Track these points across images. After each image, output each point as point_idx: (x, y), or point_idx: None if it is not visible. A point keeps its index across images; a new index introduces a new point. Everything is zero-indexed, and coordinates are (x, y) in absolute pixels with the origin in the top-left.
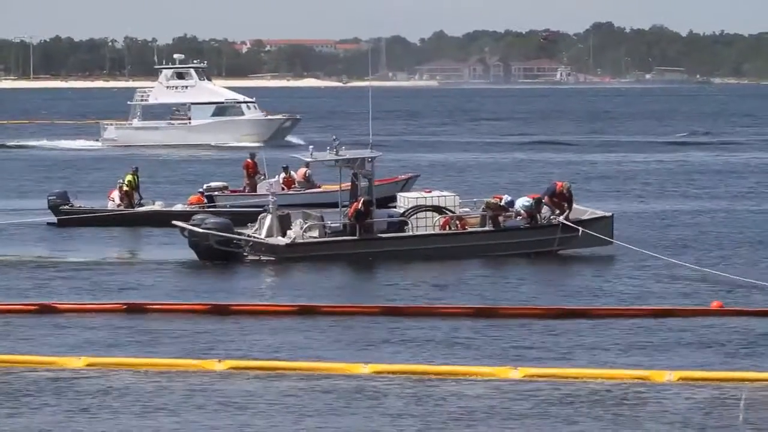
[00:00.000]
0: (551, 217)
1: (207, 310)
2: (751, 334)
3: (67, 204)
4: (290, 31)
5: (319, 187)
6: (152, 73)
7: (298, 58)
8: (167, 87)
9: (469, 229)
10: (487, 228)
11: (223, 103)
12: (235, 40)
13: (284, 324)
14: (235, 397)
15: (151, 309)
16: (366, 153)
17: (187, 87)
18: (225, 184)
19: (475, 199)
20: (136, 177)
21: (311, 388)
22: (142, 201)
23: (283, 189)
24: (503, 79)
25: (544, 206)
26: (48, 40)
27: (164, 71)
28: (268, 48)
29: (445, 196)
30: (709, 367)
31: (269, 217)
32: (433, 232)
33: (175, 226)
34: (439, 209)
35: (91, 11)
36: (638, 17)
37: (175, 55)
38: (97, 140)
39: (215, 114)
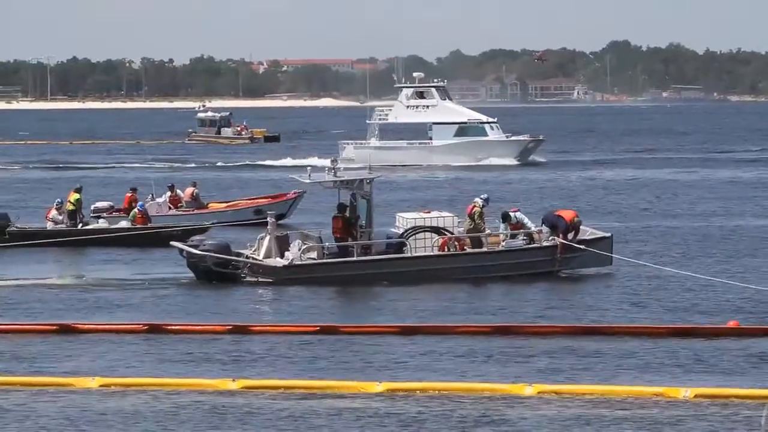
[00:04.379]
0: (551, 237)
1: (227, 330)
2: None
3: (9, 225)
4: (307, 51)
5: (207, 206)
6: (169, 93)
7: (314, 77)
8: (407, 106)
9: (468, 250)
10: (485, 249)
11: (465, 123)
12: (252, 61)
13: (303, 343)
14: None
15: (171, 330)
16: (364, 174)
17: (428, 106)
18: (111, 204)
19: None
20: (80, 196)
21: (325, 407)
22: (84, 219)
23: (170, 208)
24: (520, 98)
25: (544, 228)
26: (65, 61)
27: (404, 90)
28: (284, 68)
29: (443, 216)
30: (727, 385)
31: (267, 237)
32: (431, 253)
33: (173, 247)
34: (437, 230)
35: (108, 32)
36: (655, 36)
37: (415, 74)
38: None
39: (457, 134)
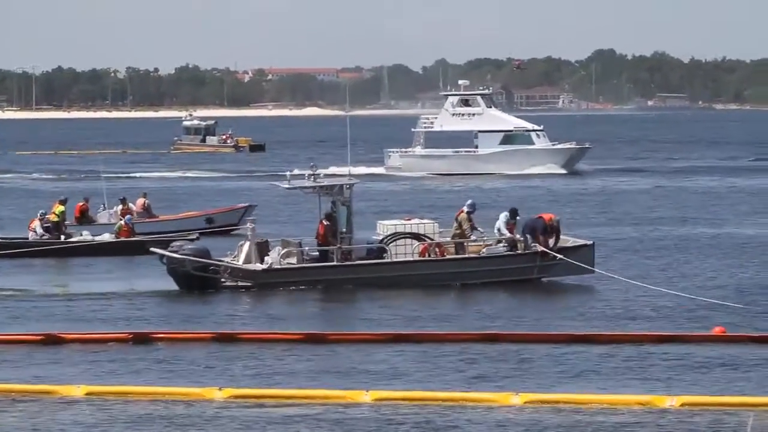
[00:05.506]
0: (532, 244)
1: (213, 338)
2: (755, 358)
3: None
4: (292, 60)
5: (158, 217)
6: (154, 103)
7: (299, 86)
8: (453, 114)
9: (447, 257)
10: (466, 255)
11: (511, 131)
12: (237, 70)
13: (290, 351)
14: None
15: (156, 338)
16: (344, 180)
17: (473, 114)
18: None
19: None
20: (65, 207)
21: (312, 416)
22: (67, 231)
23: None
24: (506, 106)
25: (528, 236)
26: (50, 70)
27: (450, 98)
28: (269, 77)
29: (424, 223)
30: (713, 393)
31: (247, 243)
32: (411, 258)
33: (154, 252)
34: (417, 236)
35: (93, 42)
36: (640, 44)
37: (460, 81)
38: (381, 167)
39: (503, 142)
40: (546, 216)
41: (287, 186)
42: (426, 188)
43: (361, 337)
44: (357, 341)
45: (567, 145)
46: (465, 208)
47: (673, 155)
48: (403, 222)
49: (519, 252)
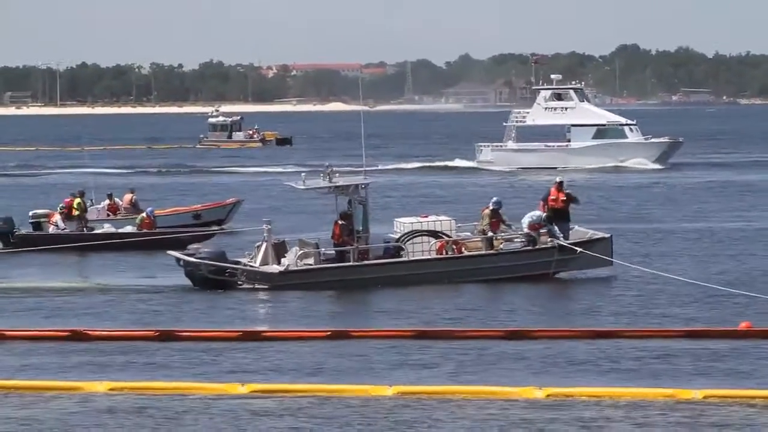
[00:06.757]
0: (549, 241)
1: (238, 336)
2: None
3: (15, 230)
4: (316, 55)
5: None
6: (179, 98)
7: (323, 82)
8: (545, 108)
9: (465, 253)
10: (482, 252)
11: (604, 125)
12: (261, 65)
13: (315, 348)
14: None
15: (181, 336)
16: (359, 179)
17: (566, 108)
18: (49, 211)
19: (475, 223)
20: (83, 200)
21: (335, 410)
22: (88, 224)
23: (108, 215)
24: (529, 101)
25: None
26: (74, 66)
27: (542, 92)
28: (294, 72)
29: (441, 220)
30: (738, 386)
31: (264, 245)
32: (427, 257)
33: (171, 255)
34: (435, 234)
35: (117, 37)
36: (664, 39)
37: (553, 76)
38: (473, 161)
39: (596, 136)
40: (553, 187)
41: (302, 187)
42: (512, 182)
43: (384, 333)
44: (380, 337)
45: (660, 140)
46: (490, 205)
47: (740, 149)
48: (420, 219)
49: (536, 247)
